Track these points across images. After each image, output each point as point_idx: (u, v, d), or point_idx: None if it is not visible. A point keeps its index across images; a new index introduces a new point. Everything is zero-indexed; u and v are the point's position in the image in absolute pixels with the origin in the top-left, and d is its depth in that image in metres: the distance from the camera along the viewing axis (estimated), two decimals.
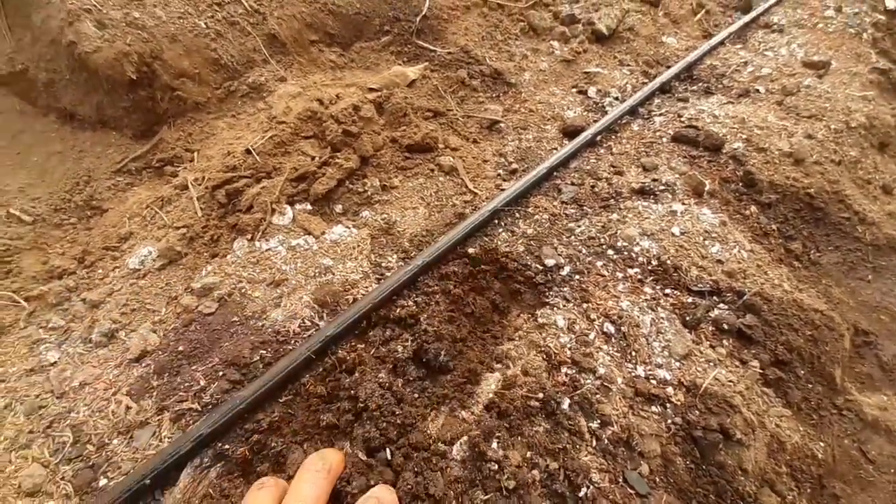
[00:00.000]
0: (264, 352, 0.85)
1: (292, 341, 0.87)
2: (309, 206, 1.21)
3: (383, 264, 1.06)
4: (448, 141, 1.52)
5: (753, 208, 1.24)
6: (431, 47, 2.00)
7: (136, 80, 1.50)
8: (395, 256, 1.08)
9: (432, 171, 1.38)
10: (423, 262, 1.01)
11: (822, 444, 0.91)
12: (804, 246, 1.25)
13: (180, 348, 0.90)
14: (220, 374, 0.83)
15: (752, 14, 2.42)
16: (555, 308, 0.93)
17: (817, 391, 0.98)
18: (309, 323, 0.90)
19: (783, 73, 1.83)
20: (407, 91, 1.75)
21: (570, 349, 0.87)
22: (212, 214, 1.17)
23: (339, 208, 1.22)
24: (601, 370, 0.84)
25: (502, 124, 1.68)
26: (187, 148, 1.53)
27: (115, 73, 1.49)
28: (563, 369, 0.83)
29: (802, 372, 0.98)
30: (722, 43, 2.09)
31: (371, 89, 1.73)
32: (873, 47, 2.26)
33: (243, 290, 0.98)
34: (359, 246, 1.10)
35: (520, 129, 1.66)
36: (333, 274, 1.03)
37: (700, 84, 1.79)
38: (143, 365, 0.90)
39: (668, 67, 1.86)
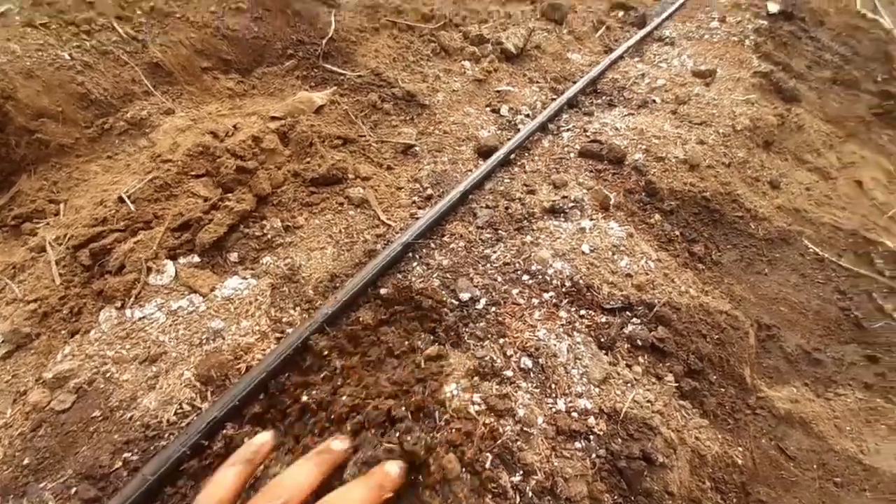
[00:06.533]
0: (129, 454, 0.70)
1: (166, 434, 0.73)
2: (196, 259, 1.07)
3: (284, 319, 0.96)
4: (358, 170, 1.44)
5: (657, 216, 1.29)
6: (340, 70, 1.92)
7: None
8: (298, 309, 0.98)
9: (341, 204, 1.29)
10: (328, 314, 0.92)
11: (740, 448, 0.93)
12: (706, 247, 1.31)
13: (25, 461, 0.73)
14: (73, 490, 0.67)
15: (647, 29, 2.61)
16: (469, 349, 0.88)
17: (730, 394, 1.00)
18: (188, 407, 0.77)
19: (676, 83, 1.96)
20: (314, 118, 1.65)
21: (486, 394, 0.81)
22: (73, 281, 0.99)
23: (233, 257, 1.10)
24: (521, 412, 0.80)
25: (417, 147, 1.64)
26: (52, 199, 1.31)
27: None
28: (481, 419, 0.78)
29: (714, 377, 1.00)
30: (621, 57, 2.22)
31: (274, 118, 1.61)
32: (755, 52, 2.50)
33: (108, 375, 0.82)
34: (256, 300, 0.99)
35: (435, 152, 1.62)
36: (224, 339, 0.90)
37: (604, 97, 1.86)
38: None
39: (574, 83, 1.93)
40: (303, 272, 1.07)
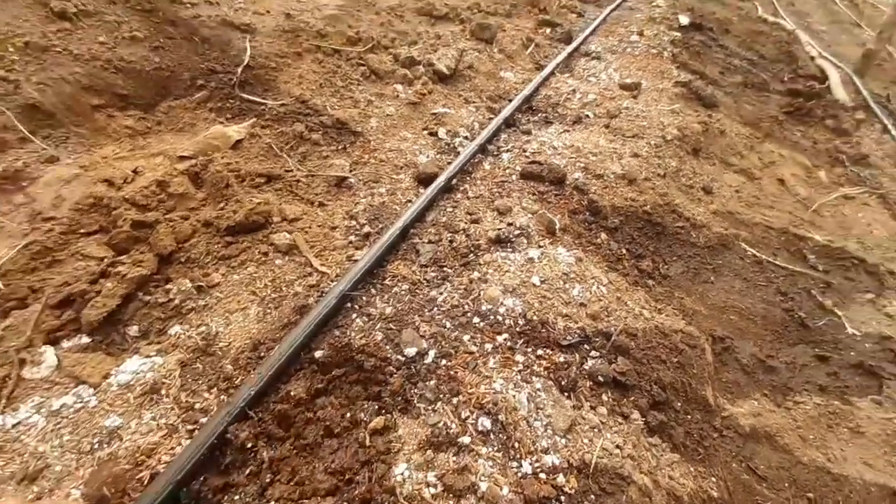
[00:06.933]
0: None
1: None
2: (84, 340, 0.88)
3: (198, 405, 0.80)
4: (285, 211, 1.30)
5: (603, 235, 1.26)
6: (260, 100, 1.77)
7: None
8: (214, 390, 0.82)
9: (266, 254, 1.14)
10: (250, 395, 0.77)
11: (714, 479, 0.89)
12: (653, 262, 1.30)
13: None
14: None
15: (574, 44, 2.68)
16: (420, 415, 0.77)
17: (696, 419, 0.96)
18: None
19: (606, 97, 2.00)
20: (231, 155, 1.49)
21: (441, 471, 0.70)
22: None
23: (133, 331, 0.92)
24: (483, 486, 0.69)
25: (351, 179, 1.52)
26: None
27: None
28: None
29: (679, 404, 0.96)
30: (553, 73, 2.24)
31: (183, 157, 1.43)
32: (673, 62, 2.64)
33: None
34: (163, 383, 0.82)
35: (371, 183, 1.52)
36: (121, 440, 0.73)
37: (539, 114, 1.86)
38: None
39: (510, 101, 1.91)
40: (220, 341, 0.91)
